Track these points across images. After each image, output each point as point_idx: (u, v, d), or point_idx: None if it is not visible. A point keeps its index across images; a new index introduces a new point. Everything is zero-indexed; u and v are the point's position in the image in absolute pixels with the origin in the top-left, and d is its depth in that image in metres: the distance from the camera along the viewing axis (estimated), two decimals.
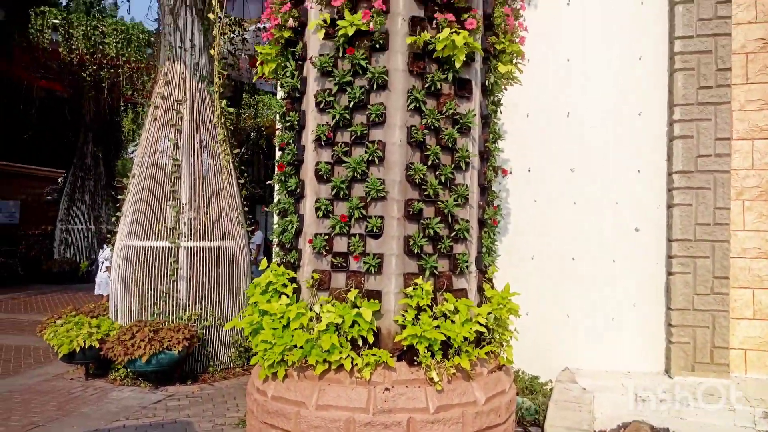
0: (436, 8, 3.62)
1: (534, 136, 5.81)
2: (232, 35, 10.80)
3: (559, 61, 5.82)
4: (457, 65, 3.55)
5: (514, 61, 4.27)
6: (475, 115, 3.75)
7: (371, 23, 3.47)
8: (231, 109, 5.14)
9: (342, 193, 3.59)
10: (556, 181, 5.75)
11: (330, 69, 3.65)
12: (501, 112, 4.72)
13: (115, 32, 14.02)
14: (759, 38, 5.43)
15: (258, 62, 4.15)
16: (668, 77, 5.57)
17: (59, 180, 19.84)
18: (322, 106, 3.68)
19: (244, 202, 7.91)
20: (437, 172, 3.62)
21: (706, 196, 5.26)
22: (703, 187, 5.27)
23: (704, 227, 5.25)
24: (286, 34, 3.93)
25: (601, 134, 5.66)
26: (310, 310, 3.59)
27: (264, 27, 14.01)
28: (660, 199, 5.52)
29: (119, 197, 7.57)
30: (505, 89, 4.56)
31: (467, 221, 3.69)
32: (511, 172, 5.67)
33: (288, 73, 3.97)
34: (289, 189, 3.94)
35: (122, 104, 17.71)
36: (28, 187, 18.93)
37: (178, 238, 6.81)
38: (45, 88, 16.61)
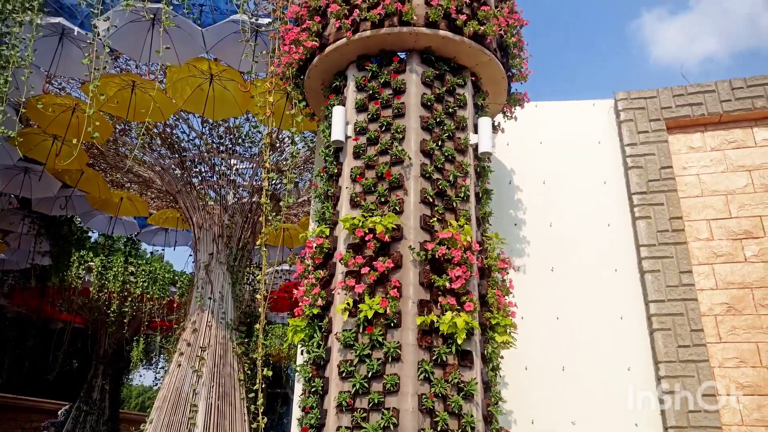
0: (440, 293, 4.41)
1: (533, 388, 6.23)
2: (252, 278, 11.88)
3: (549, 318, 6.52)
4: (459, 341, 4.21)
5: (509, 331, 4.96)
6: (477, 383, 4.30)
7: (387, 308, 4.22)
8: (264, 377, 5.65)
9: None
10: None
11: (352, 342, 4.31)
12: (502, 373, 5.25)
13: (143, 272, 15.29)
14: (723, 303, 6.20)
15: (290, 331, 4.84)
16: (649, 335, 6.22)
17: (59, 413, 19.48)
18: (344, 375, 4.25)
19: None
20: None
21: None
22: None
23: None
24: (315, 310, 4.69)
25: (597, 391, 6.09)
26: None
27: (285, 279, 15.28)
28: None
29: None
30: (502, 357, 5.17)
31: None
32: None
33: (315, 344, 4.63)
34: None
35: (136, 336, 18.29)
36: (31, 420, 18.57)
37: None
38: (64, 320, 17.43)
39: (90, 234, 15.49)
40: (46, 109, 7.58)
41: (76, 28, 6.81)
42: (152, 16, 6.49)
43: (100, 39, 6.24)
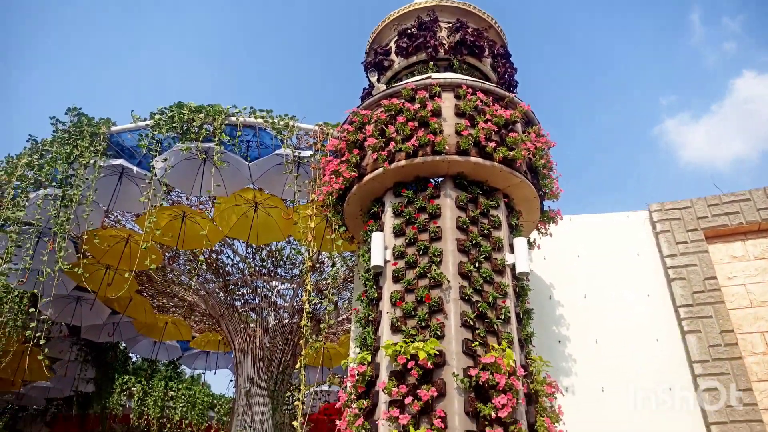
0: (486, 423, 4.26)
1: None
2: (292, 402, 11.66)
3: None
4: None
5: None
6: None
7: None
8: None
9: None
10: None
11: None
12: None
13: (182, 396, 15.16)
14: None
15: None
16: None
17: None
18: None
19: None
20: None
21: None
22: None
23: None
24: None
25: None
26: None
27: None
28: None
29: None
30: None
31: None
32: None
33: None
34: None
35: None
36: None
37: None
38: None
39: (133, 358, 15.65)
40: (102, 242, 8.06)
41: (135, 167, 7.43)
42: (204, 155, 7.06)
43: (158, 179, 6.78)
